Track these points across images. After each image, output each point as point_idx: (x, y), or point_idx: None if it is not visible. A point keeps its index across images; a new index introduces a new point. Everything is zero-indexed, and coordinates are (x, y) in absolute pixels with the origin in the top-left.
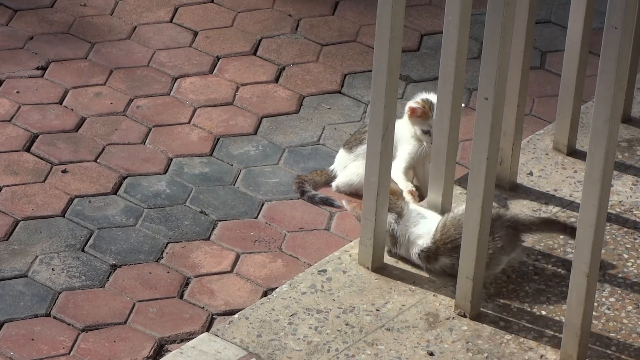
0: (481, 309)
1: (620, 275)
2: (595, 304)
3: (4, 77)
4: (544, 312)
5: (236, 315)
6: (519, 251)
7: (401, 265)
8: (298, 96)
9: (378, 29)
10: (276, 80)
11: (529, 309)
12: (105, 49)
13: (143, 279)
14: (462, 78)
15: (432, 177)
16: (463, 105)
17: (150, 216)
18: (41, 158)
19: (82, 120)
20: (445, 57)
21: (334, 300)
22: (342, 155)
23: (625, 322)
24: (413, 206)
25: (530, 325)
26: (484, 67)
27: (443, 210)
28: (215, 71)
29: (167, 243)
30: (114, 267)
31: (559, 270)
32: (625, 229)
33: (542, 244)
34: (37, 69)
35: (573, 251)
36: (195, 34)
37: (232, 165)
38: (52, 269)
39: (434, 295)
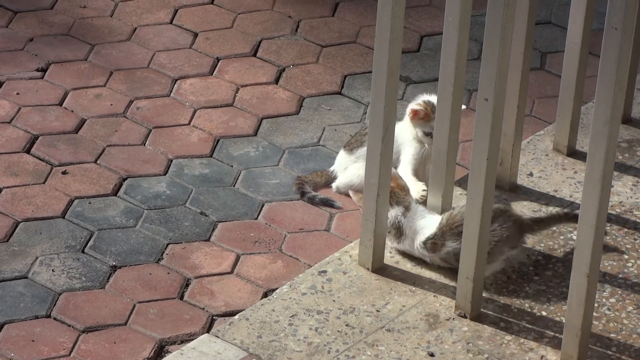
0: (482, 309)
1: (620, 275)
2: (596, 305)
3: (4, 79)
4: (544, 313)
5: (236, 316)
6: (519, 251)
7: (401, 266)
8: (298, 97)
9: (378, 30)
10: (276, 81)
11: (529, 310)
12: (105, 50)
13: (143, 280)
14: (462, 79)
15: (433, 178)
16: (464, 106)
17: (150, 217)
18: (41, 159)
19: (82, 122)
20: (446, 58)
21: (334, 301)
22: (342, 156)
23: (625, 322)
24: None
25: (530, 326)
26: (484, 68)
27: (443, 211)
28: (215, 72)
29: (167, 244)
30: (114, 268)
31: (560, 271)
32: (626, 230)
33: (542, 245)
34: (37, 70)
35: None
36: (195, 35)
37: (232, 166)
38: (53, 270)
39: (434, 296)
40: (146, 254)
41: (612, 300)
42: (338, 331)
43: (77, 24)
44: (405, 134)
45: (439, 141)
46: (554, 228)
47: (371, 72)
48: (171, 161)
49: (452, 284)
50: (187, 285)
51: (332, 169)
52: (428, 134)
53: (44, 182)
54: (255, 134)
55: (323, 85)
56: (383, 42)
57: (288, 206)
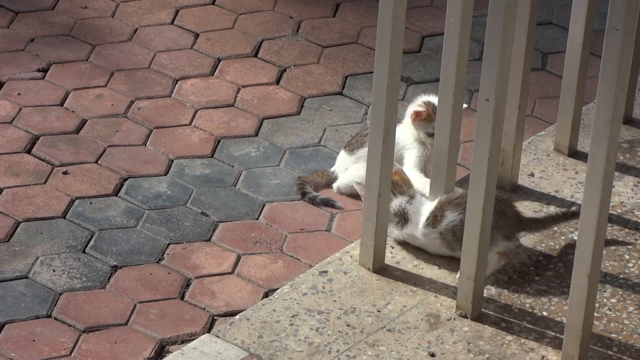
0: (482, 309)
1: (621, 276)
2: (597, 305)
3: (5, 79)
4: (545, 313)
5: (237, 316)
6: (513, 245)
7: (402, 266)
8: (299, 98)
9: (379, 30)
10: (277, 81)
11: (530, 310)
12: (106, 51)
13: (144, 280)
14: (464, 79)
15: (434, 179)
16: (465, 106)
17: (151, 217)
18: (42, 160)
19: (83, 122)
20: (447, 58)
21: (335, 301)
22: (343, 157)
23: (626, 323)
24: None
25: (531, 326)
26: (485, 69)
27: None
28: (216, 73)
29: (168, 244)
30: (114, 268)
31: (561, 271)
32: (627, 230)
33: (543, 245)
34: (38, 70)
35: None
36: (197, 35)
37: (233, 166)
38: (53, 270)
39: (435, 296)
40: (147, 254)
41: (613, 300)
42: (339, 331)
43: (78, 24)
44: (407, 136)
45: (440, 141)
46: (555, 228)
47: (372, 72)
48: (172, 161)
49: (453, 284)
50: (188, 285)
51: (333, 169)
52: (430, 135)
53: (44, 182)
54: (256, 135)
55: (324, 86)
56: (384, 43)
57: (289, 206)
